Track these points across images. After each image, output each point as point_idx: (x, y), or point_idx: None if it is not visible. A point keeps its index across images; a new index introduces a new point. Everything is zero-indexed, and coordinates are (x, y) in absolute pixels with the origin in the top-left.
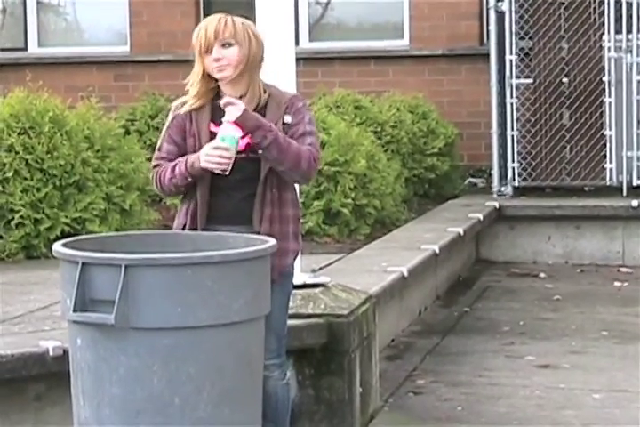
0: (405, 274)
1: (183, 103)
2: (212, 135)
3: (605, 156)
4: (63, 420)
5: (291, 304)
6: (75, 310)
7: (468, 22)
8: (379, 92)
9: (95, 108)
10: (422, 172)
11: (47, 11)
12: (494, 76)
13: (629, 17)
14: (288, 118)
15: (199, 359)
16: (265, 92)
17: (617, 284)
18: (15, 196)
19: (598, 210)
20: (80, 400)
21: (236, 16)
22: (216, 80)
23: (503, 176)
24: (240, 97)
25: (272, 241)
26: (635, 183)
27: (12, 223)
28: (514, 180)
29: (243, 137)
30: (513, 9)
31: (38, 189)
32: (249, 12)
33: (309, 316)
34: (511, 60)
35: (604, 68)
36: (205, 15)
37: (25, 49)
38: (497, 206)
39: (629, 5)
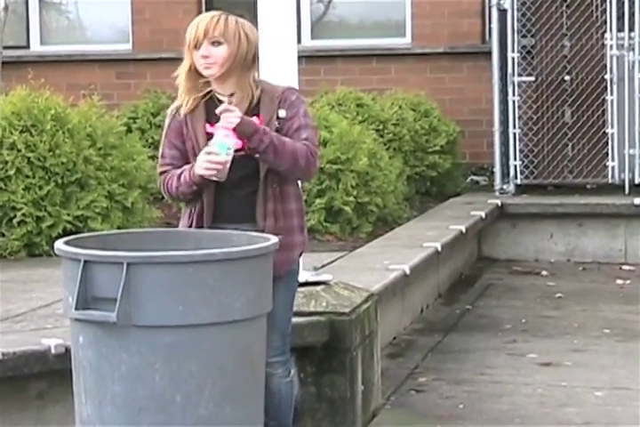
0: (407, 272)
1: (178, 108)
2: (209, 136)
3: (607, 153)
4: (65, 418)
5: None
6: (77, 308)
7: (470, 20)
8: (381, 89)
9: (97, 106)
10: (424, 169)
11: (49, 8)
12: (496, 73)
13: (631, 14)
14: (282, 113)
15: (201, 357)
16: (257, 88)
17: (619, 282)
18: (17, 194)
19: (600, 208)
20: (82, 398)
21: (233, 15)
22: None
23: (505, 174)
24: (231, 95)
25: (274, 239)
26: (637, 181)
27: (14, 221)
28: (516, 177)
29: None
30: (515, 7)
31: (40, 187)
32: (251, 9)
33: (311, 314)
34: (513, 58)
35: (605, 66)
36: None
37: (27, 47)
38: (499, 204)
39: (631, 3)
